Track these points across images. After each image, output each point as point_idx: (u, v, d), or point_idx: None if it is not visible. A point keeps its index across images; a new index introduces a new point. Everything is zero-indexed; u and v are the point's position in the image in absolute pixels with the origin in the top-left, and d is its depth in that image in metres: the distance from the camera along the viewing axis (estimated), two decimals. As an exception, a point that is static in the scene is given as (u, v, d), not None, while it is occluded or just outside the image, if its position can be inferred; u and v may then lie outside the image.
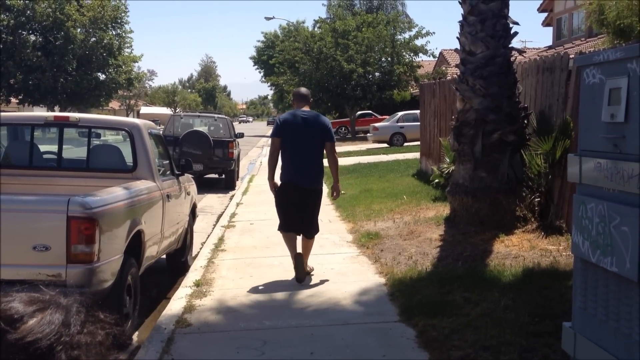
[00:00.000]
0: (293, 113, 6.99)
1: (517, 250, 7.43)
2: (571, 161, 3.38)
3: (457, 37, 8.82)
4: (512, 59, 8.60)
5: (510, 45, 8.54)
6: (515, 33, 8.53)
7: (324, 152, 7.00)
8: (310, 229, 7.06)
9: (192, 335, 5.41)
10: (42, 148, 7.18)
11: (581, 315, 3.24)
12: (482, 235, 8.06)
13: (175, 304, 6.33)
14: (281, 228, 7.14)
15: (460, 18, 8.73)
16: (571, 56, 8.08)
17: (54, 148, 6.91)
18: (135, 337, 5.86)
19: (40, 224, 4.62)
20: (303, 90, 7.27)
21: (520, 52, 9.05)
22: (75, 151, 8.09)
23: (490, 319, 5.26)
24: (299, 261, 6.89)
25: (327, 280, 7.01)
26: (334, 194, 7.54)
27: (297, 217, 6.99)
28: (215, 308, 6.14)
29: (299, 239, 7.14)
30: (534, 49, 33.02)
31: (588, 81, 3.25)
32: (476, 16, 8.39)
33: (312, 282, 6.95)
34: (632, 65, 2.98)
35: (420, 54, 36.52)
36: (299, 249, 7.04)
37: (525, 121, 8.54)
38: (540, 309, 5.39)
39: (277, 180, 7.10)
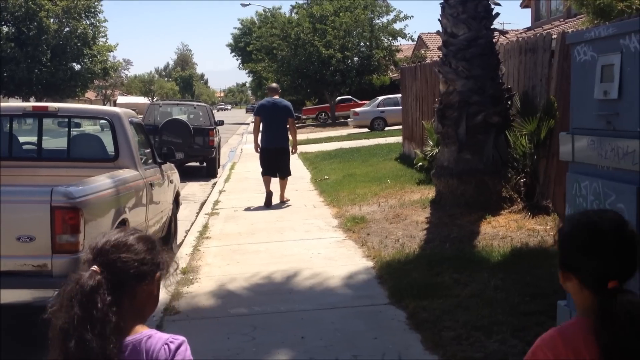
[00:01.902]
0: (267, 100, 11.14)
1: (505, 231, 7.44)
2: (563, 139, 3.35)
3: (439, 19, 8.77)
4: (494, 40, 8.58)
5: (492, 27, 8.52)
6: (497, 14, 8.51)
7: (287, 124, 10.92)
8: (282, 172, 10.94)
9: (181, 322, 5.34)
10: (21, 140, 7.04)
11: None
12: (469, 216, 8.07)
13: (162, 292, 6.25)
14: (263, 173, 11.07)
15: (441, 0, 8.69)
16: (554, 36, 8.09)
17: (33, 139, 6.79)
18: (122, 326, 5.79)
19: (24, 214, 4.52)
20: (273, 85, 11.61)
21: (503, 33, 9.04)
22: (54, 142, 7.95)
23: (481, 300, 5.26)
24: (270, 195, 10.82)
25: (315, 265, 6.97)
26: (294, 151, 11.39)
27: (273, 165, 10.92)
28: (203, 295, 6.08)
29: (274, 180, 10.97)
30: (513, 30, 33.07)
31: (579, 59, 3.22)
32: (458, -2, 8.36)
33: (300, 267, 6.92)
34: (625, 41, 2.95)
35: (399, 38, 36.44)
36: (275, 188, 10.85)
37: (509, 102, 8.54)
38: (531, 288, 5.40)
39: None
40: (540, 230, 7.33)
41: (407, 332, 4.87)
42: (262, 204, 10.93)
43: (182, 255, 7.77)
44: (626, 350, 1.67)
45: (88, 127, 18.87)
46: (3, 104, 6.91)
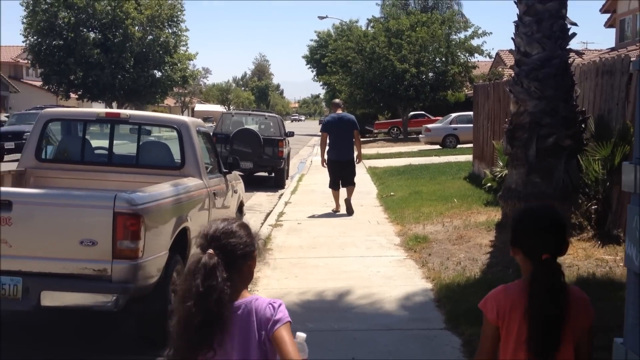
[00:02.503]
0: (332, 115, 11.96)
1: (572, 259, 7.17)
2: (626, 169, 3.19)
3: (512, 38, 8.58)
4: (569, 61, 8.31)
5: (567, 47, 8.25)
6: (574, 34, 8.24)
7: (353, 136, 11.58)
8: (348, 180, 11.65)
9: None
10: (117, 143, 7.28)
11: (634, 332, 3.06)
12: (534, 242, 7.81)
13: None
14: (331, 186, 11.79)
15: (516, 18, 8.49)
16: (632, 59, 7.77)
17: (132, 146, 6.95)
18: (179, 333, 5.88)
19: (87, 219, 4.66)
20: (336, 100, 12.78)
21: (579, 53, 8.74)
22: (127, 147, 8.20)
23: (540, 330, 5.07)
24: (349, 204, 11.48)
25: (372, 284, 6.91)
26: (358, 160, 12.04)
27: (339, 177, 11.65)
28: (259, 308, 6.11)
29: (343, 191, 11.66)
30: (595, 50, 32.13)
31: (650, 85, 3.06)
32: (532, 16, 8.14)
33: (358, 285, 6.87)
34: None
35: (476, 55, 35.90)
36: (343, 198, 11.55)
37: (583, 125, 8.25)
38: (594, 321, 5.16)
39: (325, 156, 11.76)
40: (609, 260, 7.03)
41: (460, 360, 4.75)
42: (326, 217, 11.21)
43: (242, 265, 7.86)
44: (544, 301, 2.41)
45: (165, 134, 19.37)
46: (77, 109, 7.18)
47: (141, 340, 5.22)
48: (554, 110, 8.05)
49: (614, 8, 30.76)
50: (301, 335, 2.40)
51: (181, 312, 2.26)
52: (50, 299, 4.63)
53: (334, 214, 11.54)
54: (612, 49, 28.36)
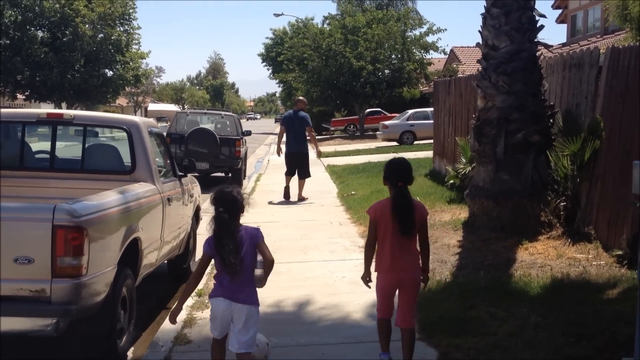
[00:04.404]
0: (290, 111, 13.32)
1: (543, 258, 6.92)
2: (638, 170, 2.87)
3: (479, 31, 8.30)
4: (537, 54, 8.07)
5: (536, 40, 8.01)
6: (542, 26, 7.99)
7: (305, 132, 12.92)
8: (301, 173, 12.85)
9: (191, 354, 4.95)
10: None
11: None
12: (504, 241, 7.56)
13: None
14: (286, 174, 13.04)
15: (483, 10, 8.21)
16: (602, 51, 7.57)
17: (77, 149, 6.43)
18: (130, 353, 5.40)
19: (22, 233, 4.15)
20: (300, 97, 14.06)
21: (547, 47, 8.52)
22: (71, 150, 7.64)
23: (521, 339, 4.77)
24: (287, 189, 12.88)
25: (339, 291, 6.53)
26: (317, 154, 14.01)
27: (294, 167, 12.89)
28: (219, 321, 5.66)
29: (294, 180, 12.97)
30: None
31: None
32: (500, 8, 7.87)
33: (323, 292, 6.48)
34: None
35: (431, 51, 35.95)
36: (293, 186, 12.91)
37: (551, 120, 8.02)
38: (575, 327, 4.89)
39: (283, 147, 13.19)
40: (581, 259, 6.80)
41: (438, 375, 4.40)
42: (287, 218, 10.91)
43: (200, 274, 7.38)
44: (400, 208, 4.24)
45: (117, 134, 18.62)
46: (15, 110, 6.60)
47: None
48: (522, 105, 7.80)
49: (566, 4, 31.10)
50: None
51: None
52: (-19, 324, 4.11)
53: (291, 203, 12.62)
54: (564, 45, 28.62)
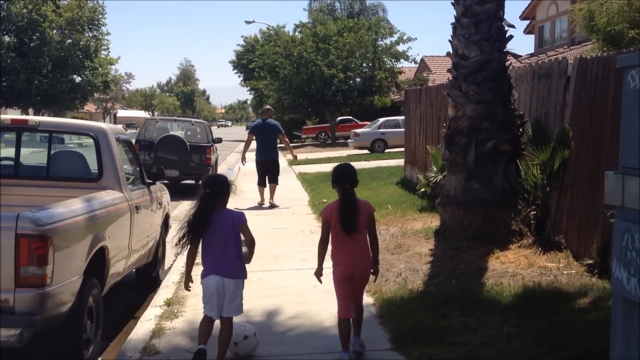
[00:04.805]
0: (260, 120, 13.51)
1: (514, 267, 6.94)
2: (611, 180, 2.84)
3: (449, 40, 8.33)
4: (506, 64, 8.13)
5: (505, 50, 8.07)
6: (511, 37, 8.05)
7: (277, 139, 13.40)
8: (272, 178, 13.09)
9: (160, 365, 4.83)
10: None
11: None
12: (475, 250, 7.57)
13: (143, 327, 5.74)
14: (259, 183, 13.33)
15: (453, 20, 8.25)
16: (570, 61, 7.65)
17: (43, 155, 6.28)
18: (97, 364, 5.27)
19: (-16, 242, 4.02)
20: (267, 107, 14.40)
21: (516, 56, 8.59)
22: (37, 157, 7.46)
23: (494, 349, 4.76)
24: (272, 204, 12.96)
25: (310, 300, 6.46)
26: (294, 157, 14.57)
27: (264, 174, 13.14)
28: (187, 332, 5.56)
29: (267, 188, 13.21)
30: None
31: (634, 85, 2.73)
32: (470, 18, 7.91)
33: (294, 301, 6.41)
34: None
35: (402, 60, 36.17)
36: (267, 195, 13.18)
37: (521, 130, 8.07)
38: (547, 337, 4.89)
39: (253, 157, 13.41)
40: (552, 268, 6.83)
41: (411, 385, 4.36)
42: (257, 225, 10.63)
43: (169, 284, 7.27)
44: (347, 208, 4.73)
45: (85, 141, 18.21)
46: None
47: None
48: (492, 115, 7.84)
49: (533, 15, 31.56)
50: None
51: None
52: (-59, 336, 3.96)
53: (263, 209, 12.83)
54: (532, 55, 29.02)
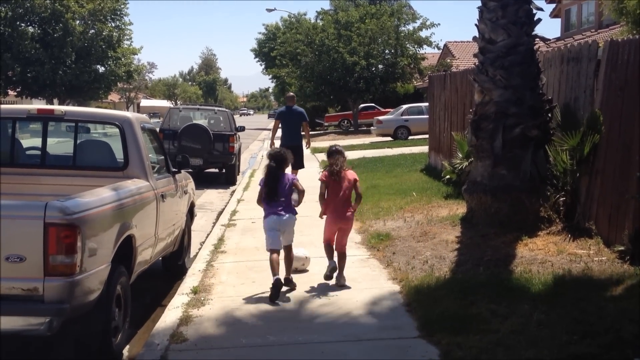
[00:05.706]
0: (284, 107, 13.45)
1: (543, 254, 6.84)
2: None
3: (476, 24, 8.19)
4: (535, 47, 7.98)
5: (533, 33, 7.91)
6: (539, 20, 7.89)
7: (301, 126, 13.23)
8: (296, 164, 12.02)
9: (188, 353, 4.85)
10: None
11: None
12: (503, 237, 7.47)
13: (171, 315, 5.76)
14: None
15: (480, 4, 8.11)
16: (600, 45, 7.48)
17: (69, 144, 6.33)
18: (126, 351, 5.31)
19: (14, 231, 4.04)
20: (291, 94, 14.06)
21: (545, 40, 8.43)
22: (63, 147, 7.51)
23: (523, 337, 4.69)
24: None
25: (336, 287, 6.44)
26: (307, 146, 13.44)
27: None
28: (214, 319, 5.57)
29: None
30: (541, 40, 32.27)
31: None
32: (497, 1, 7.77)
33: (321, 289, 6.39)
34: None
35: (425, 46, 35.81)
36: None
37: (549, 115, 7.93)
38: (579, 325, 4.80)
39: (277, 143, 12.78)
40: (582, 255, 6.71)
41: (440, 374, 4.31)
42: None
43: (195, 272, 7.29)
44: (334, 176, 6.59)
45: (109, 131, 18.23)
46: (5, 107, 6.47)
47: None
48: (520, 100, 7.71)
49: (560, -2, 31.07)
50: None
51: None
52: (-27, 324, 3.99)
53: None
54: (558, 39, 28.59)
